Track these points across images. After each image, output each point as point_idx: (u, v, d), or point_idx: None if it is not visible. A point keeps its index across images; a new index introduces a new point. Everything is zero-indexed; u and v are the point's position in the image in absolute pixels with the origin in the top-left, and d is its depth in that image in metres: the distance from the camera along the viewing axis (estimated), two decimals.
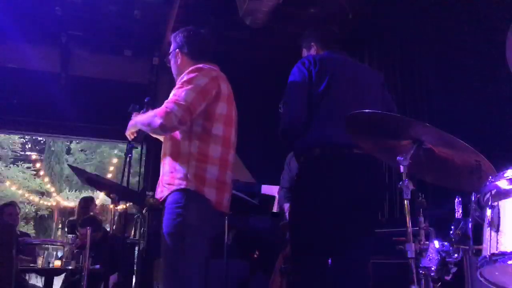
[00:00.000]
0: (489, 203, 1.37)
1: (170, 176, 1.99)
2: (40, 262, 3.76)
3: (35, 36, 5.30)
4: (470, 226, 1.49)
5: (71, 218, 6.39)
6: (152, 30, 5.18)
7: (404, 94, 3.88)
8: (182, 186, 1.94)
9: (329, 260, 2.09)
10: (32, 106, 5.61)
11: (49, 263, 3.75)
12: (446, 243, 1.51)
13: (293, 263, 2.18)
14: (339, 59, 2.27)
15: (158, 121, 1.93)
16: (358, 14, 4.14)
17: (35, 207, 17.06)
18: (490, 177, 1.38)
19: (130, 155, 2.42)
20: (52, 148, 19.17)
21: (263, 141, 3.60)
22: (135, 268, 5.10)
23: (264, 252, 3.23)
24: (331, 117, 2.04)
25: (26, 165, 17.85)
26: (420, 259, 1.50)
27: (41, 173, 17.31)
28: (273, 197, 3.92)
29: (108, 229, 5.09)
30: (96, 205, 5.59)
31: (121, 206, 4.28)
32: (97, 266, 3.82)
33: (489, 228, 1.35)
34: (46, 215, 17.77)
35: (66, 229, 6.88)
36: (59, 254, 3.83)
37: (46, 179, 17.29)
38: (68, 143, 19.36)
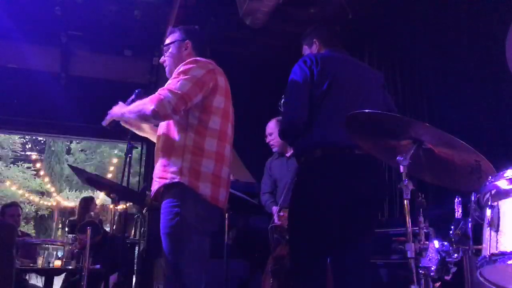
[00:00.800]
0: (489, 203, 1.38)
1: (163, 170, 1.94)
2: (40, 262, 3.76)
3: (35, 36, 5.31)
4: (470, 226, 1.49)
5: (71, 218, 6.40)
6: (152, 30, 5.18)
7: (404, 94, 3.87)
8: (176, 180, 1.89)
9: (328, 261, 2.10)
10: (32, 106, 5.61)
11: (49, 263, 3.75)
12: (446, 243, 1.51)
13: (293, 263, 2.18)
14: (340, 59, 2.26)
15: (150, 107, 1.87)
16: (358, 14, 4.14)
17: (35, 207, 17.07)
18: (490, 177, 1.38)
19: (130, 155, 2.41)
20: (52, 148, 19.18)
21: (263, 141, 3.60)
22: (135, 268, 5.11)
23: (264, 252, 3.23)
24: (332, 118, 2.04)
25: (26, 165, 17.87)
26: (420, 259, 1.49)
27: (41, 173, 17.32)
28: None
29: (108, 229, 5.09)
30: (96, 205, 5.59)
31: (121, 206, 4.29)
32: (97, 266, 3.82)
33: (488, 228, 1.35)
34: (46, 215, 17.78)
35: (66, 229, 6.89)
36: (59, 254, 3.82)
37: (46, 179, 17.31)
38: (68, 143, 19.37)
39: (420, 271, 1.50)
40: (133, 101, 2.12)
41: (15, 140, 18.10)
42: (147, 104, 1.89)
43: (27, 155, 18.99)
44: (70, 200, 17.70)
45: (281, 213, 3.05)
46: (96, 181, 2.70)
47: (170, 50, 2.20)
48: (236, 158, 4.68)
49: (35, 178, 17.88)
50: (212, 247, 2.04)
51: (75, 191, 18.73)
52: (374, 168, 2.07)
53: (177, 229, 1.86)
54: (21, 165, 17.91)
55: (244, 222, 3.88)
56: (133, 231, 5.77)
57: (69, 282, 4.52)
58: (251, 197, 3.29)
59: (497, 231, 1.32)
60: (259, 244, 3.56)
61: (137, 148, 2.49)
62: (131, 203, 5.21)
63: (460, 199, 1.60)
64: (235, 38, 4.85)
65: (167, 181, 1.91)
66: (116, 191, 2.51)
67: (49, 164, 18.83)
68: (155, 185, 1.97)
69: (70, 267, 3.78)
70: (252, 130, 4.02)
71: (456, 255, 1.48)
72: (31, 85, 5.47)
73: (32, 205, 16.84)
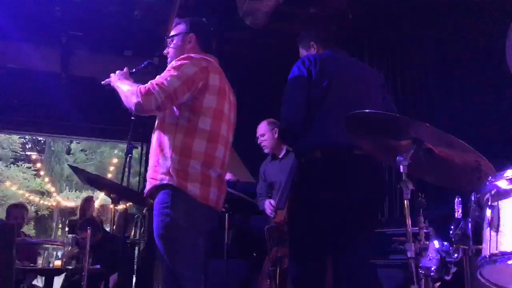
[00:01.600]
0: (489, 203, 1.38)
1: (154, 170, 1.94)
2: (40, 262, 3.76)
3: (35, 36, 5.30)
4: (470, 226, 1.49)
5: (72, 218, 6.40)
6: (152, 30, 5.18)
7: (404, 94, 3.87)
8: (165, 182, 1.88)
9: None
10: (32, 106, 5.61)
11: (49, 263, 3.75)
12: (446, 243, 1.51)
13: (292, 264, 2.18)
14: (340, 59, 2.26)
15: (135, 99, 1.86)
16: (358, 14, 4.13)
17: (35, 207, 17.06)
18: (490, 177, 1.38)
19: (130, 155, 2.41)
20: (52, 148, 19.19)
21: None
22: (135, 268, 5.11)
23: (264, 252, 3.23)
24: (332, 118, 2.04)
25: (26, 165, 17.88)
26: (420, 259, 1.50)
27: (41, 173, 17.33)
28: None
29: (108, 229, 5.09)
30: (92, 204, 5.60)
31: (121, 206, 4.28)
32: (97, 266, 3.82)
33: (488, 228, 1.35)
34: (46, 215, 17.79)
35: (66, 229, 6.89)
36: (59, 254, 3.82)
37: (46, 179, 17.31)
38: (68, 143, 19.38)
39: (420, 271, 1.50)
40: (138, 70, 2.17)
41: (15, 140, 18.09)
42: (135, 93, 1.88)
43: (27, 155, 18.98)
44: (70, 200, 17.70)
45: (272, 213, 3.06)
46: (96, 181, 2.70)
47: (174, 42, 2.18)
48: (236, 158, 4.67)
49: (35, 178, 17.89)
50: (212, 247, 2.04)
51: (75, 191, 18.74)
52: (374, 169, 2.07)
53: (168, 230, 1.85)
54: (21, 165, 17.92)
55: (244, 222, 3.88)
56: (133, 231, 5.77)
57: (69, 282, 4.51)
58: (251, 197, 3.30)
59: (497, 231, 1.32)
60: (259, 244, 3.55)
61: (137, 148, 2.48)
62: (131, 203, 5.20)
63: (460, 199, 1.60)
64: (235, 38, 4.85)
65: (157, 182, 1.91)
66: (116, 191, 2.51)
67: (49, 164, 18.84)
68: (148, 185, 1.98)
69: (70, 267, 3.77)
70: (252, 130, 4.02)
71: (456, 255, 1.48)
72: (31, 85, 5.47)
73: (32, 205, 16.83)
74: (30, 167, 17.79)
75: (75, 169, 2.97)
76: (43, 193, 17.75)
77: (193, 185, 1.88)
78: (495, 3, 2.98)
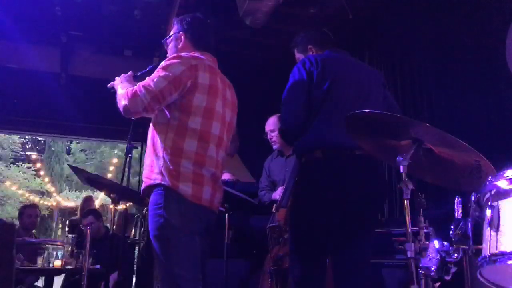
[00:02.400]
0: (489, 203, 1.38)
1: (149, 170, 1.95)
2: (40, 262, 3.76)
3: (35, 36, 5.30)
4: (470, 226, 1.49)
5: (73, 218, 6.41)
6: (152, 30, 5.18)
7: (404, 94, 3.87)
8: (158, 181, 1.89)
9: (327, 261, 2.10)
10: (32, 106, 5.61)
11: (49, 263, 3.75)
12: (446, 243, 1.51)
13: (292, 264, 2.18)
14: (341, 59, 2.26)
15: (123, 102, 1.90)
16: (358, 14, 4.13)
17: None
18: (490, 177, 1.38)
19: (130, 155, 2.41)
20: (52, 148, 19.21)
21: (263, 141, 3.60)
22: (135, 268, 5.11)
23: (264, 252, 3.23)
24: (333, 118, 2.04)
25: (26, 165, 17.89)
26: (420, 259, 1.50)
27: (41, 173, 17.34)
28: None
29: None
30: (92, 204, 5.61)
31: (121, 206, 4.29)
32: (97, 266, 3.82)
33: (488, 228, 1.35)
34: (46, 215, 17.79)
35: (67, 229, 6.89)
36: (59, 254, 3.82)
37: (46, 179, 17.33)
38: (68, 143, 19.40)
39: (420, 271, 1.50)
40: (143, 74, 2.15)
41: (15, 140, 18.11)
42: (123, 97, 1.92)
43: (27, 155, 19.00)
44: (70, 200, 17.72)
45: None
46: (96, 181, 2.70)
47: (169, 44, 2.21)
48: (236, 158, 4.67)
49: (35, 178, 17.90)
50: (212, 247, 2.04)
51: (75, 191, 18.75)
52: (374, 169, 2.07)
53: (162, 231, 1.86)
54: (21, 165, 17.93)
55: (244, 222, 3.88)
56: (133, 231, 5.78)
57: (69, 282, 4.51)
58: (251, 197, 3.29)
59: (497, 231, 1.32)
60: (259, 244, 3.55)
61: (137, 148, 2.48)
62: (131, 203, 5.21)
63: (460, 199, 1.60)
64: (235, 38, 4.85)
65: (151, 182, 1.92)
66: (116, 191, 2.51)
67: (49, 164, 18.86)
68: (143, 184, 1.99)
69: (70, 267, 3.77)
70: (252, 130, 4.01)
71: (456, 255, 1.48)
72: (31, 85, 5.47)
73: None
74: (30, 167, 17.81)
75: (75, 169, 2.97)
76: (43, 193, 17.76)
77: (185, 184, 1.88)
78: (495, 3, 2.98)
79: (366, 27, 4.34)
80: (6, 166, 17.53)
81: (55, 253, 3.82)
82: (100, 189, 2.90)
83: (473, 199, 1.46)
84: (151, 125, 2.04)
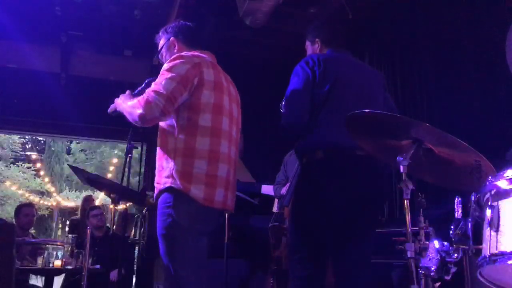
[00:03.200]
0: (489, 203, 1.38)
1: (159, 175, 1.93)
2: (40, 262, 3.76)
3: (35, 36, 5.31)
4: (470, 226, 1.49)
5: (73, 218, 6.41)
6: (152, 30, 5.16)
7: (404, 94, 3.87)
8: (168, 185, 1.86)
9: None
10: (32, 106, 5.61)
11: (49, 263, 3.75)
12: (446, 243, 1.51)
13: (291, 264, 2.17)
14: (343, 60, 2.25)
15: (137, 111, 1.84)
16: (358, 14, 4.14)
17: (35, 207, 17.04)
18: (490, 177, 1.38)
19: (130, 155, 2.41)
20: (52, 148, 19.20)
21: (263, 141, 3.60)
22: (135, 268, 5.11)
23: (264, 252, 3.23)
24: (334, 119, 2.03)
25: (26, 165, 17.88)
26: (420, 259, 1.50)
27: (41, 173, 17.33)
28: (273, 197, 3.92)
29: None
30: (93, 203, 5.61)
31: (121, 206, 4.29)
32: (97, 266, 3.82)
33: (488, 228, 1.35)
34: (46, 215, 17.78)
35: (67, 229, 6.89)
36: (59, 254, 3.82)
37: (46, 179, 17.32)
38: (68, 143, 19.39)
39: (420, 271, 1.50)
40: (140, 91, 2.11)
41: (15, 140, 18.10)
42: (136, 107, 1.86)
43: (27, 155, 18.99)
44: (70, 200, 17.71)
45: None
46: (96, 181, 2.70)
47: (163, 56, 2.20)
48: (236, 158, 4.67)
49: (35, 178, 17.89)
50: (212, 247, 2.04)
51: (75, 191, 18.74)
52: (375, 169, 2.07)
53: (169, 230, 1.84)
54: (21, 165, 17.92)
55: (244, 222, 3.88)
56: (133, 231, 5.78)
57: (69, 282, 4.51)
58: (251, 197, 3.30)
59: (497, 231, 1.32)
60: (259, 244, 3.56)
61: (137, 148, 2.48)
62: (131, 203, 5.21)
63: (460, 199, 1.60)
64: (235, 38, 4.86)
65: (161, 186, 1.90)
66: (116, 191, 2.51)
67: (49, 164, 18.85)
68: (155, 190, 1.97)
69: (70, 267, 3.77)
70: (253, 130, 4.01)
71: (456, 255, 1.48)
72: (31, 85, 5.47)
73: None
74: (30, 167, 17.80)
75: (75, 169, 2.97)
76: (43, 193, 17.75)
77: (196, 187, 1.84)
78: (495, 3, 2.98)
79: (366, 27, 4.34)
80: (6, 166, 17.53)
81: (55, 253, 3.82)
82: (100, 189, 2.90)
83: (473, 199, 1.46)
84: (159, 130, 2.02)
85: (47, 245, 4.06)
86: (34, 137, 18.50)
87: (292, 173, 3.29)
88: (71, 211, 16.79)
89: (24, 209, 4.64)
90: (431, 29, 3.63)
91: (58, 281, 4.76)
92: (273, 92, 3.25)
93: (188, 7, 4.45)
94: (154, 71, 2.34)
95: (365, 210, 2.03)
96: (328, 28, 2.39)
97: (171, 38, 2.15)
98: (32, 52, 5.40)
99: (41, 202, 17.05)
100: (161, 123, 1.98)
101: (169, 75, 1.87)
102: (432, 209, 1.85)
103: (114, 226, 4.56)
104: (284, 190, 3.21)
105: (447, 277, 1.49)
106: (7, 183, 16.39)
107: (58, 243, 4.22)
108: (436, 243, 1.51)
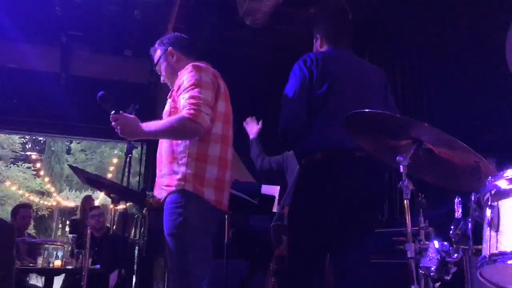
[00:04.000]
0: (489, 203, 1.37)
1: (169, 179, 1.96)
2: (40, 262, 3.76)
3: (35, 36, 5.31)
4: (470, 226, 1.49)
5: (73, 218, 6.40)
6: (152, 30, 5.18)
7: (404, 94, 3.87)
8: (181, 187, 1.91)
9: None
10: (32, 106, 5.62)
11: (49, 263, 3.75)
12: (446, 243, 1.51)
13: (290, 264, 2.17)
14: (342, 58, 2.22)
15: (192, 124, 1.83)
16: (358, 14, 4.13)
17: (35, 207, 17.04)
18: (490, 177, 1.38)
19: (130, 155, 2.41)
20: (52, 148, 19.18)
21: (263, 141, 3.60)
22: (135, 268, 5.10)
23: (264, 252, 3.23)
24: (333, 119, 2.01)
25: (26, 165, 17.88)
26: (420, 259, 1.50)
27: (41, 173, 17.33)
28: (273, 197, 3.92)
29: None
30: (92, 203, 5.60)
31: (121, 206, 4.28)
32: (97, 266, 3.82)
33: (488, 228, 1.35)
34: (46, 215, 17.78)
35: (68, 229, 6.89)
36: (59, 254, 3.82)
37: (46, 179, 17.31)
38: (68, 143, 19.39)
39: (420, 271, 1.50)
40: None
41: (15, 140, 18.10)
42: (184, 120, 1.84)
43: (27, 155, 18.98)
44: (70, 200, 17.72)
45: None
46: (96, 181, 2.69)
47: (161, 67, 2.23)
48: (236, 158, 4.67)
49: (35, 178, 17.89)
50: (212, 247, 2.05)
51: (75, 191, 18.74)
52: (375, 170, 2.06)
53: (180, 230, 1.88)
54: (21, 165, 17.92)
55: (244, 222, 3.88)
56: (133, 231, 5.77)
57: (69, 282, 4.51)
58: (251, 197, 3.29)
59: (497, 231, 1.32)
60: (259, 244, 3.55)
61: (137, 148, 2.48)
62: (131, 203, 5.20)
63: (460, 199, 1.60)
64: (235, 38, 4.85)
65: (173, 188, 1.93)
66: (116, 191, 2.50)
67: (49, 164, 18.84)
68: (162, 193, 1.99)
69: (70, 267, 3.78)
70: None
71: (456, 255, 1.48)
72: (31, 85, 5.47)
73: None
74: (30, 167, 17.79)
75: (75, 169, 2.96)
76: (43, 193, 17.75)
77: (208, 190, 1.94)
78: (495, 3, 2.98)
79: (366, 27, 4.34)
80: (6, 166, 17.53)
81: (55, 253, 3.82)
82: (100, 189, 2.89)
83: (473, 199, 1.46)
84: None
85: (47, 245, 4.06)
86: (34, 137, 18.49)
87: (295, 172, 3.28)
88: (71, 211, 16.79)
89: (22, 211, 4.62)
90: (431, 29, 3.63)
91: (58, 281, 4.76)
92: (273, 92, 3.25)
93: (188, 7, 4.45)
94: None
95: (364, 211, 2.02)
96: (328, 24, 2.38)
97: (169, 48, 2.20)
98: (32, 52, 5.40)
99: (41, 202, 17.05)
100: None
101: (201, 86, 1.94)
102: (432, 209, 1.85)
103: (114, 226, 4.56)
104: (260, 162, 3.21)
105: (447, 277, 1.49)
106: (7, 183, 16.39)
107: (58, 243, 4.22)
108: (436, 243, 1.51)
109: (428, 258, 1.49)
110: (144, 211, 5.12)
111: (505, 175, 1.34)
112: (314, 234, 2.00)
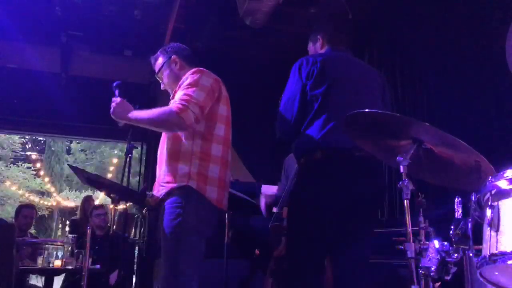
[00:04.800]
0: (489, 203, 1.37)
1: (171, 175, 1.98)
2: (40, 262, 3.77)
3: (35, 36, 5.31)
4: (470, 226, 1.49)
5: (73, 218, 6.40)
6: (152, 30, 5.18)
7: (404, 94, 3.87)
8: (184, 184, 1.94)
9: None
10: (32, 106, 5.62)
11: (49, 263, 3.75)
12: (446, 243, 1.51)
13: (289, 264, 2.17)
14: (341, 58, 2.23)
15: (175, 118, 1.89)
16: (358, 14, 4.13)
17: (36, 208, 17.02)
18: (490, 177, 1.38)
19: (130, 155, 2.41)
20: (52, 148, 19.19)
21: (263, 141, 3.60)
22: (135, 268, 5.11)
23: (264, 252, 3.23)
24: (332, 119, 2.02)
25: (26, 165, 17.88)
26: (420, 259, 1.49)
27: (41, 173, 17.34)
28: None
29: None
30: (92, 203, 5.61)
31: (121, 206, 4.29)
32: (97, 266, 3.82)
33: (489, 228, 1.35)
34: (46, 215, 17.78)
35: (68, 229, 6.89)
36: (59, 254, 3.82)
37: (46, 179, 17.32)
38: (68, 143, 19.39)
39: (420, 271, 1.49)
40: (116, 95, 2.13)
41: (15, 140, 18.09)
42: (171, 113, 1.91)
43: (27, 155, 18.99)
44: (70, 200, 17.72)
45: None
46: (96, 181, 2.69)
47: (163, 74, 2.27)
48: (236, 158, 4.68)
49: (35, 178, 17.89)
50: (212, 247, 2.06)
51: (75, 191, 18.75)
52: (374, 170, 2.06)
53: (178, 230, 1.90)
54: (21, 165, 17.92)
55: (244, 222, 3.88)
56: (133, 231, 5.78)
57: (69, 282, 4.51)
58: (251, 197, 3.29)
59: (497, 231, 1.32)
60: (259, 244, 3.55)
61: (137, 148, 2.49)
62: (131, 203, 5.20)
63: (460, 199, 1.59)
64: (235, 38, 4.85)
65: (175, 185, 1.96)
66: (116, 191, 2.50)
67: (49, 164, 18.84)
68: (162, 190, 2.00)
69: (70, 267, 3.78)
70: (252, 130, 4.02)
71: (456, 255, 1.48)
72: (31, 85, 5.47)
73: None
74: (30, 167, 17.79)
75: (75, 169, 2.96)
76: (43, 193, 17.75)
77: (211, 188, 1.98)
78: (495, 3, 2.98)
79: (366, 27, 4.34)
80: (6, 166, 17.52)
81: (55, 253, 3.82)
82: (100, 189, 2.89)
83: (473, 199, 1.45)
84: (167, 135, 2.09)
85: (47, 245, 4.06)
86: (34, 137, 18.50)
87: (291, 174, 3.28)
88: (71, 211, 16.79)
89: (24, 211, 4.65)
90: (431, 29, 3.62)
91: (58, 281, 4.76)
92: (273, 92, 3.25)
93: (188, 7, 4.45)
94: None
95: (363, 211, 2.02)
96: (332, 24, 2.38)
97: (173, 56, 2.25)
98: (32, 52, 5.40)
99: (41, 202, 17.05)
100: None
101: (197, 86, 1.99)
102: (432, 209, 1.85)
103: (114, 226, 4.56)
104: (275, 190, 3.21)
105: (447, 277, 1.49)
106: (7, 183, 16.39)
107: (58, 243, 4.21)
108: (436, 243, 1.51)
109: (428, 258, 1.49)
110: (144, 211, 5.13)
111: (505, 175, 1.33)
112: (313, 234, 2.00)
